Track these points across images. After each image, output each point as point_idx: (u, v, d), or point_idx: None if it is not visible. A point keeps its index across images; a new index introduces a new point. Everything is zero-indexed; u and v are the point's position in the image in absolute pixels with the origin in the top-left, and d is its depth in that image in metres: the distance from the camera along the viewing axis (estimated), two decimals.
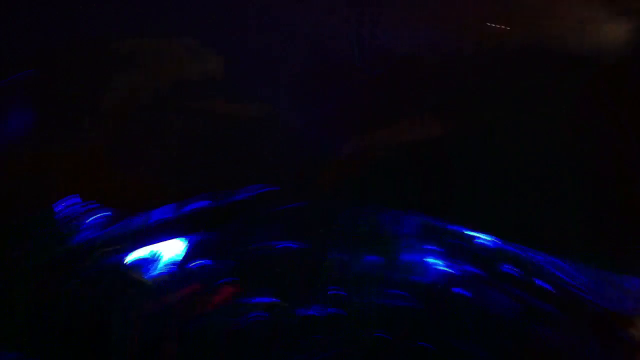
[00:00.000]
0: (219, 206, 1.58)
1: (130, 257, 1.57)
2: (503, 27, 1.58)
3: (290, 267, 1.57)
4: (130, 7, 1.61)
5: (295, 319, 1.54)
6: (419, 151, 1.60)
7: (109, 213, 1.57)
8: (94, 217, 1.56)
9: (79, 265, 1.55)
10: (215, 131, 1.59)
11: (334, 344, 1.52)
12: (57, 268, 1.54)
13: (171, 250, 1.60)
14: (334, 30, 1.64)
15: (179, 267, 1.58)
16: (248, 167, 1.60)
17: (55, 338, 1.54)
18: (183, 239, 1.61)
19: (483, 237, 1.58)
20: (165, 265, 1.58)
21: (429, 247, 1.58)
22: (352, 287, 1.55)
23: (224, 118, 1.59)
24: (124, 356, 1.50)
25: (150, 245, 1.58)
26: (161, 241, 1.59)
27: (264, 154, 1.59)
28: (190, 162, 1.59)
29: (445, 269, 1.56)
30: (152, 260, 1.58)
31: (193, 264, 1.59)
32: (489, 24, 1.59)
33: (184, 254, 1.61)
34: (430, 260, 1.57)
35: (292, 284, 1.57)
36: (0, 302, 1.55)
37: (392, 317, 1.53)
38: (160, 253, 1.59)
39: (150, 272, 1.57)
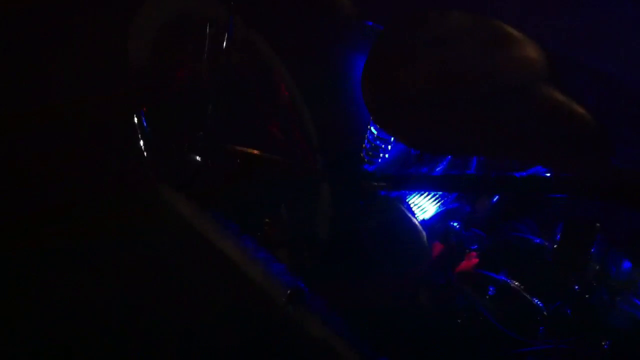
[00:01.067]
0: (490, 176, 1.59)
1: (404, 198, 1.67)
2: None
3: (538, 256, 1.61)
4: None
5: (522, 302, 1.61)
6: None
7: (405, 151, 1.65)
8: (389, 153, 1.65)
9: (356, 189, 1.67)
10: None
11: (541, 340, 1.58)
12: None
13: (433, 203, 1.68)
14: None
15: (433, 222, 1.67)
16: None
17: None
18: (444, 196, 1.67)
19: None
20: (421, 216, 1.67)
21: None
22: (596, 290, 1.57)
23: None
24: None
25: (422, 193, 1.66)
26: (429, 191, 1.66)
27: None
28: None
29: None
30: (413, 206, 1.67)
31: (445, 223, 1.67)
32: None
33: (441, 211, 1.68)
34: None
35: (535, 273, 1.61)
36: None
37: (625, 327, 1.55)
38: (423, 202, 1.67)
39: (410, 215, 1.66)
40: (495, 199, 1.65)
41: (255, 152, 1.75)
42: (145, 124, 1.83)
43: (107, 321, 1.86)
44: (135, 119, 1.83)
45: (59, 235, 2.07)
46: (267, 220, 1.80)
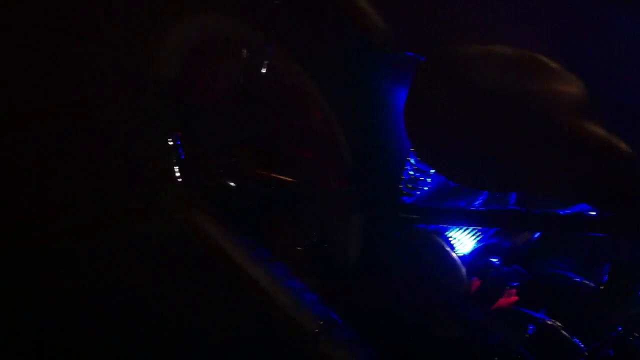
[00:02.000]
0: (533, 213, 1.55)
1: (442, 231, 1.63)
2: None
3: (580, 295, 1.57)
4: None
5: (562, 341, 1.57)
6: None
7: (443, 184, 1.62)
8: (428, 186, 1.62)
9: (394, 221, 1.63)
10: None
11: None
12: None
13: (472, 238, 1.64)
14: None
15: (471, 257, 1.63)
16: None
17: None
18: (483, 231, 1.64)
19: None
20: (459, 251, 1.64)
21: None
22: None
23: None
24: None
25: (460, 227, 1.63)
26: (468, 226, 1.63)
27: None
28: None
29: None
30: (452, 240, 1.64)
31: (485, 259, 1.63)
32: None
33: (480, 246, 1.64)
34: None
35: (576, 312, 1.58)
36: None
37: None
38: (462, 237, 1.64)
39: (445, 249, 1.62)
40: (536, 236, 1.61)
41: (287, 178, 1.72)
42: (179, 146, 1.81)
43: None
44: (170, 141, 1.81)
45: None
46: (298, 247, 1.77)
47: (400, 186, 1.63)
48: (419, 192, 1.64)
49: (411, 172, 1.62)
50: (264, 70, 1.66)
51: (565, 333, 1.56)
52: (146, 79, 1.90)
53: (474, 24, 1.58)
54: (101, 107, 2.38)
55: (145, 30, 1.93)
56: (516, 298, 1.60)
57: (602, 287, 1.52)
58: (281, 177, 1.72)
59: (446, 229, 1.64)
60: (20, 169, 2.26)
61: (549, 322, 1.57)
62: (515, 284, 1.61)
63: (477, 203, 1.67)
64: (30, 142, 2.34)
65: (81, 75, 2.44)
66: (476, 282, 1.62)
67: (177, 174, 1.82)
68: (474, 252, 1.65)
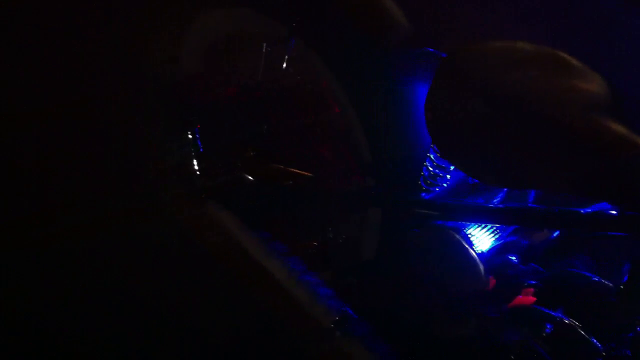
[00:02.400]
0: (554, 211, 1.55)
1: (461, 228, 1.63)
2: None
3: (597, 294, 1.57)
4: None
5: (580, 341, 1.57)
6: None
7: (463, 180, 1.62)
8: (448, 183, 1.62)
9: (412, 217, 1.63)
10: None
11: None
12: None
13: (490, 235, 1.63)
14: None
15: (489, 255, 1.62)
16: None
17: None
18: (502, 229, 1.63)
19: None
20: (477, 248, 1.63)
21: None
22: None
23: None
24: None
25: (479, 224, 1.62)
26: (487, 223, 1.62)
27: None
28: None
29: None
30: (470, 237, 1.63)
31: (503, 256, 1.63)
32: None
33: (498, 244, 1.64)
34: None
35: (593, 311, 1.57)
36: None
37: None
38: (480, 234, 1.63)
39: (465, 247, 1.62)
40: (554, 234, 1.61)
41: (305, 173, 1.71)
42: (198, 140, 1.80)
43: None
44: (189, 135, 1.80)
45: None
46: (314, 242, 1.75)
47: (419, 182, 1.62)
48: (437, 189, 1.64)
49: (430, 168, 1.62)
50: (284, 65, 1.65)
51: (582, 332, 1.56)
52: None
53: (489, 21, 1.58)
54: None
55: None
56: (534, 298, 1.59)
57: (621, 287, 1.51)
58: (298, 172, 1.71)
59: (464, 226, 1.63)
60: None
61: (566, 321, 1.56)
62: (533, 282, 1.60)
63: (496, 200, 1.66)
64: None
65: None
66: (493, 280, 1.61)
67: (195, 166, 1.81)
68: (492, 250, 1.64)
